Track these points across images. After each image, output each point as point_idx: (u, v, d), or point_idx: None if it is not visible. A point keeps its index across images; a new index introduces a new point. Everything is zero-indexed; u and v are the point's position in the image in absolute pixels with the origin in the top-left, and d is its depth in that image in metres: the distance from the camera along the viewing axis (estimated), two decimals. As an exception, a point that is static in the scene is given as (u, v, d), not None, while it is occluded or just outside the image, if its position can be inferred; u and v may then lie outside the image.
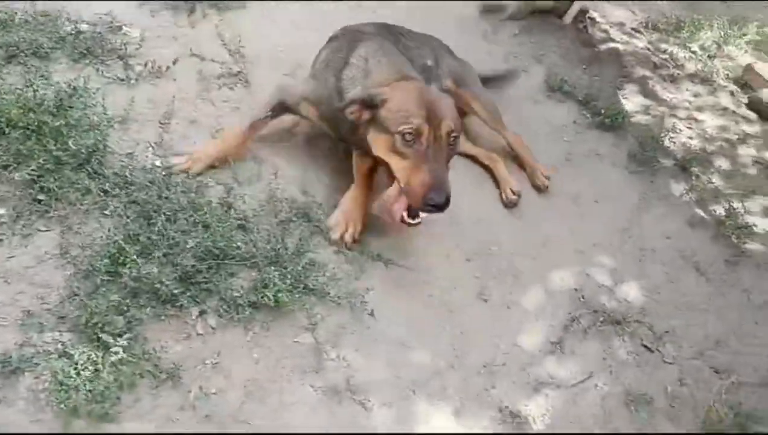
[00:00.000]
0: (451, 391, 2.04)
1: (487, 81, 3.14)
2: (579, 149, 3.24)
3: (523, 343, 2.26)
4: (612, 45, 4.07)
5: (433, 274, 2.37)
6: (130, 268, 1.87)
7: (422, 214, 2.12)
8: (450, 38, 3.15)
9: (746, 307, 2.68)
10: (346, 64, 2.36)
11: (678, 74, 4.08)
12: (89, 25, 2.76)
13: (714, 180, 3.33)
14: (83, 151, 2.13)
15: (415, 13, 3.57)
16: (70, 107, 2.26)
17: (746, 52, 4.37)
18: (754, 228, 3.03)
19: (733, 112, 3.95)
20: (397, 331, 2.12)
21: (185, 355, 1.83)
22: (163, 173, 2.24)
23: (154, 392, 1.73)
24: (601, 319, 2.42)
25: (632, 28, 4.33)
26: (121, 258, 1.89)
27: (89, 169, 2.13)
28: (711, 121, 3.80)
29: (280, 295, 1.98)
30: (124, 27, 2.83)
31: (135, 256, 1.89)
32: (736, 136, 3.73)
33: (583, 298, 2.49)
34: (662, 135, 3.46)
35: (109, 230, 1.99)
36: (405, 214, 2.11)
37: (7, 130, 2.11)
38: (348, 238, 2.26)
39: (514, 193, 2.77)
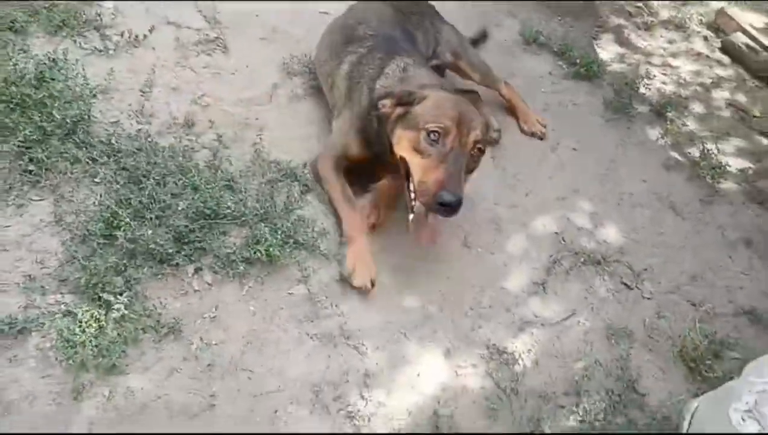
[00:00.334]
0: (441, 333, 2.13)
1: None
2: (556, 99, 3.30)
3: (507, 285, 2.35)
4: (586, -5, 4.09)
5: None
6: (124, 230, 1.93)
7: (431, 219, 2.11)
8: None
9: (721, 244, 2.79)
10: (381, 75, 2.37)
11: (652, 21, 4.14)
12: (62, -4, 2.75)
13: (689, 123, 3.42)
14: (68, 121, 2.17)
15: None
16: (52, 79, 2.29)
17: (719, -4, 4.43)
18: (728, 168, 3.14)
19: (707, 56, 4.03)
20: (386, 279, 2.20)
21: (184, 310, 1.91)
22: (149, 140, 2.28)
23: (157, 346, 1.82)
24: (582, 259, 2.50)
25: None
26: (115, 222, 1.95)
27: (76, 139, 2.18)
28: (685, 67, 3.88)
29: (271, 250, 2.06)
30: (96, -2, 2.83)
31: (128, 220, 1.95)
32: (710, 80, 3.82)
33: (564, 240, 2.58)
34: (637, 82, 3.53)
35: (100, 196, 2.05)
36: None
37: (-10, 104, 2.13)
38: (369, 285, 2.14)
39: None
